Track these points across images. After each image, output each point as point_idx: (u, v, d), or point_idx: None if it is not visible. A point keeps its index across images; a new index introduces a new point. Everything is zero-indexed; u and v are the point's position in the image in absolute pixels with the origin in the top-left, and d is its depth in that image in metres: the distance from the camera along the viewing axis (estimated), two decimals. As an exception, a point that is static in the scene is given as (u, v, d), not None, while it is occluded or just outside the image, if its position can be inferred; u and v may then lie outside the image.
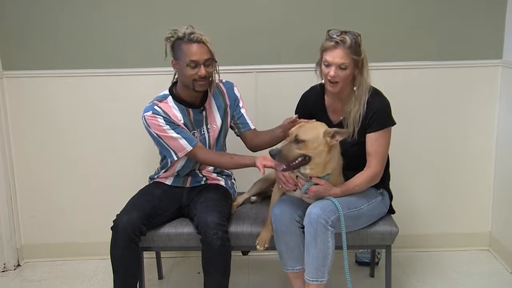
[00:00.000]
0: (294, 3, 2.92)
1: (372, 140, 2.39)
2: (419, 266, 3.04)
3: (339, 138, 2.28)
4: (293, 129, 2.33)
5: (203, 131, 2.56)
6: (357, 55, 2.33)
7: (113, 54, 2.97)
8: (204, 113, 2.54)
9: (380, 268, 2.96)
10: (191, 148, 2.44)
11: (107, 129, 3.00)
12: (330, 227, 2.25)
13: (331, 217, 2.26)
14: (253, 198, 2.74)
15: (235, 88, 2.63)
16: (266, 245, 2.45)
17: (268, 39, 2.95)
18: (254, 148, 2.64)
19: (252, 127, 2.64)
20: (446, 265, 3.04)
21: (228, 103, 2.60)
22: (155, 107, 2.44)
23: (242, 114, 2.63)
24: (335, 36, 2.32)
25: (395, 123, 2.44)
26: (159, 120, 2.42)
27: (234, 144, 2.72)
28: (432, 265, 3.05)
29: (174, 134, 2.43)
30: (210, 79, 2.46)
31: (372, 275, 2.96)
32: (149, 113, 2.43)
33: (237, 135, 2.68)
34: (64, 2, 2.90)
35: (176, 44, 2.40)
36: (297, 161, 2.27)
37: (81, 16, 2.92)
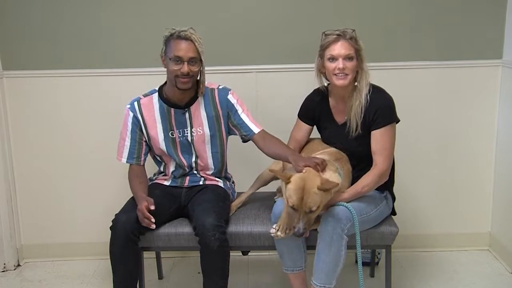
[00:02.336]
0: (294, 4, 2.92)
1: (377, 137, 2.37)
2: (419, 266, 3.04)
3: (330, 187, 2.18)
4: (298, 199, 2.15)
5: (186, 132, 2.53)
6: (358, 46, 2.37)
7: (113, 54, 2.97)
8: (187, 114, 2.52)
9: (380, 268, 2.96)
10: (125, 162, 2.56)
11: (107, 129, 2.99)
12: (345, 236, 2.24)
13: (347, 225, 2.24)
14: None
15: (230, 95, 2.54)
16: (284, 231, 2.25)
17: (268, 39, 2.95)
18: (267, 154, 2.50)
19: (257, 130, 2.52)
20: (446, 265, 3.04)
21: (220, 112, 2.53)
22: (135, 103, 2.53)
23: (243, 121, 2.53)
24: (335, 31, 2.36)
25: (399, 120, 2.43)
26: (129, 118, 2.52)
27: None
28: (432, 265, 3.04)
29: (126, 141, 2.55)
30: (197, 79, 2.45)
31: (372, 275, 2.95)
32: (128, 106, 2.54)
33: (244, 142, 2.60)
34: (65, 2, 2.90)
35: (167, 41, 2.42)
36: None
37: (81, 16, 2.92)
